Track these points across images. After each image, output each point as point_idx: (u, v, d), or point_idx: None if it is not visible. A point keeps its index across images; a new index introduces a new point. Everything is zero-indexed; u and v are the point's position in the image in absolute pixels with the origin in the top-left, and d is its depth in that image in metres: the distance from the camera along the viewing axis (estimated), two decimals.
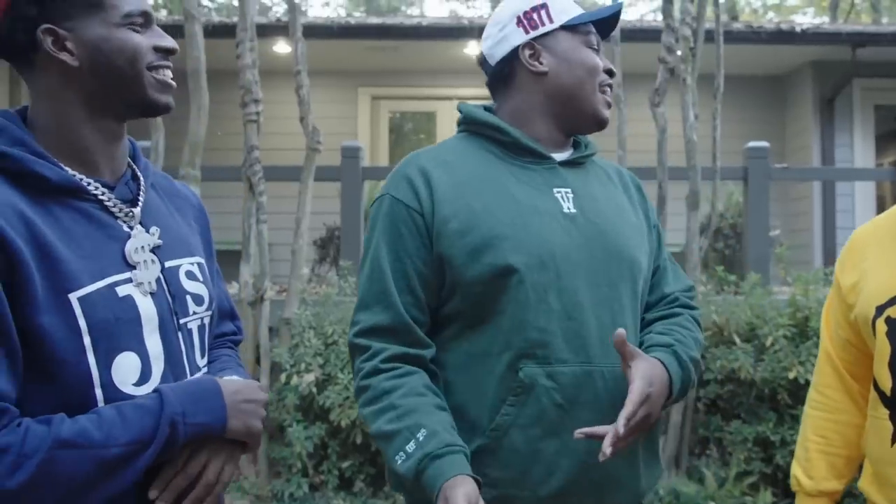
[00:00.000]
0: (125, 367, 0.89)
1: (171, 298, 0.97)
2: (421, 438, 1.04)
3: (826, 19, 13.27)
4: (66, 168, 0.91)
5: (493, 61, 1.24)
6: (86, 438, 0.81)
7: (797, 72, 6.48)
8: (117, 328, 0.88)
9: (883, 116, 6.36)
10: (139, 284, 0.92)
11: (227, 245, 3.89)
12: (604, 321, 1.13)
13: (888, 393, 1.16)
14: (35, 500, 0.79)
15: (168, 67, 0.97)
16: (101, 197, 0.93)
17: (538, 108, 1.22)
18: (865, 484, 1.22)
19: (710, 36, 4.03)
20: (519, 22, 1.21)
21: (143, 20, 0.94)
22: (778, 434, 3.10)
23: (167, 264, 0.98)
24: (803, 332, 3.19)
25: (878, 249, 1.23)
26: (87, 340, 0.85)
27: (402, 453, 1.05)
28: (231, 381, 0.96)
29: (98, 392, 0.86)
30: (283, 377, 3.25)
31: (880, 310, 1.16)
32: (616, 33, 3.83)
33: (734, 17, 11.92)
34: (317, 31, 5.48)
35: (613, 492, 1.14)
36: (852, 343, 1.26)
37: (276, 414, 3.24)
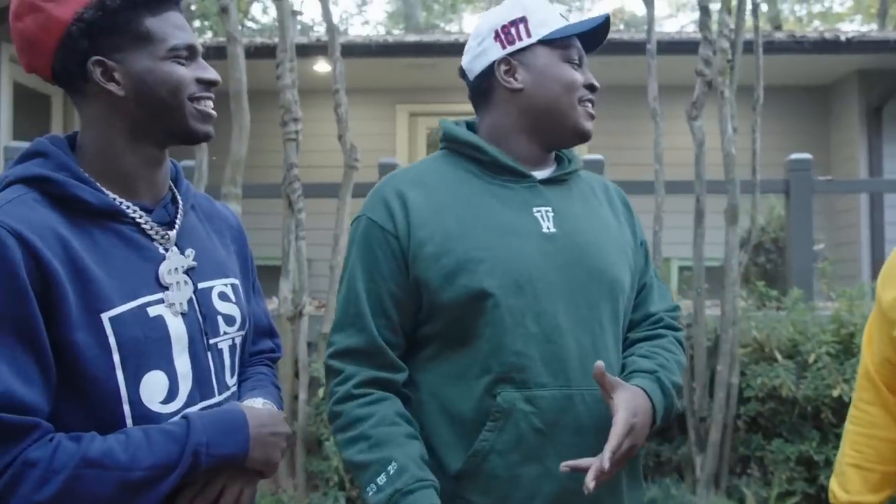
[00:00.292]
0: (153, 386, 0.92)
1: (202, 319, 1.00)
2: (392, 472, 1.04)
3: (874, 26, 12.91)
4: (108, 192, 0.95)
5: (471, 76, 1.23)
6: (112, 459, 0.84)
7: (842, 81, 6.33)
8: (146, 347, 0.91)
9: None
10: (170, 305, 0.95)
11: (266, 261, 3.98)
12: (583, 343, 1.11)
13: None
14: None
15: (210, 98, 1.01)
16: (138, 220, 0.97)
17: (515, 125, 1.19)
18: None
19: (749, 47, 3.98)
20: (497, 36, 1.18)
21: (188, 53, 0.98)
22: (822, 454, 3.01)
23: (200, 285, 1.01)
24: (848, 349, 3.11)
25: None
26: (116, 358, 0.89)
27: (373, 485, 1.05)
28: (258, 413, 0.98)
29: (126, 409, 0.90)
30: (320, 392, 3.30)
31: None
32: (652, 46, 3.81)
33: (777, 27, 11.69)
34: (356, 50, 5.60)
35: None
36: (892, 361, 1.25)
37: (313, 428, 3.29)
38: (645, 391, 1.10)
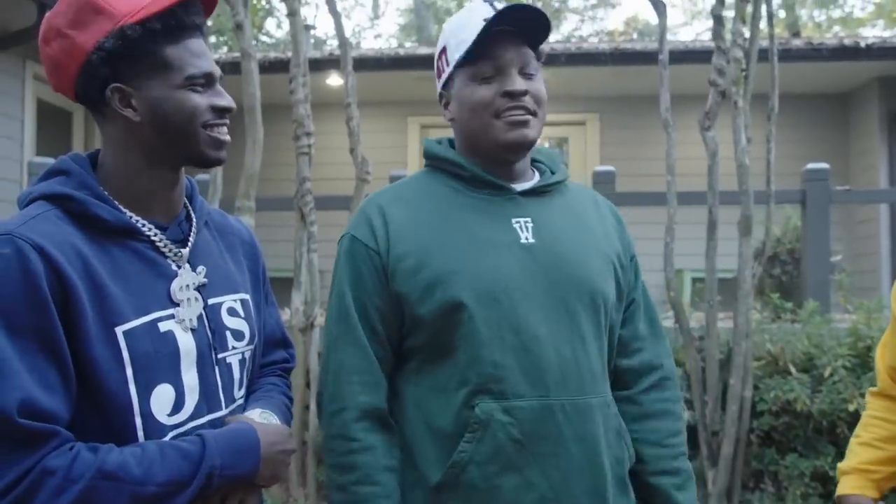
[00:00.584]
0: (162, 398, 0.95)
1: (211, 334, 1.03)
2: None
3: None
4: (125, 210, 0.99)
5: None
6: (127, 473, 0.86)
7: (862, 88, 6.25)
8: (157, 361, 0.95)
9: None
10: (180, 321, 0.98)
11: (279, 272, 4.01)
12: (563, 352, 1.11)
13: None
14: None
15: (224, 125, 1.03)
16: (153, 238, 1.00)
17: (469, 149, 1.21)
18: None
19: (765, 55, 3.94)
20: (437, 72, 1.24)
21: (205, 81, 0.99)
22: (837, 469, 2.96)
23: (210, 301, 1.04)
24: (865, 363, 3.05)
25: None
26: (129, 372, 0.92)
27: None
28: (268, 431, 1.01)
29: (138, 421, 0.93)
30: None
31: None
32: (664, 56, 3.79)
33: (796, 33, 11.57)
34: (368, 64, 5.65)
35: None
36: None
37: None
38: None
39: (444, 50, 1.20)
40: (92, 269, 0.91)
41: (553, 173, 1.25)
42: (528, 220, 1.17)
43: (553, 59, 5.78)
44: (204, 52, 0.99)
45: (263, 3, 10.58)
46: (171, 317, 0.98)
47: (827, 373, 3.02)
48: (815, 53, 5.63)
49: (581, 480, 1.10)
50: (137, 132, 0.98)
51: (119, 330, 0.92)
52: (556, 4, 16.89)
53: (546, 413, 1.09)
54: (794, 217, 5.15)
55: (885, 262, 5.69)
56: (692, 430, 3.18)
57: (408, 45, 15.35)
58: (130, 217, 0.99)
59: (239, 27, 3.35)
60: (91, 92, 0.97)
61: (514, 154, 1.18)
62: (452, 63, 1.17)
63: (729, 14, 3.79)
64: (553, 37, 16.68)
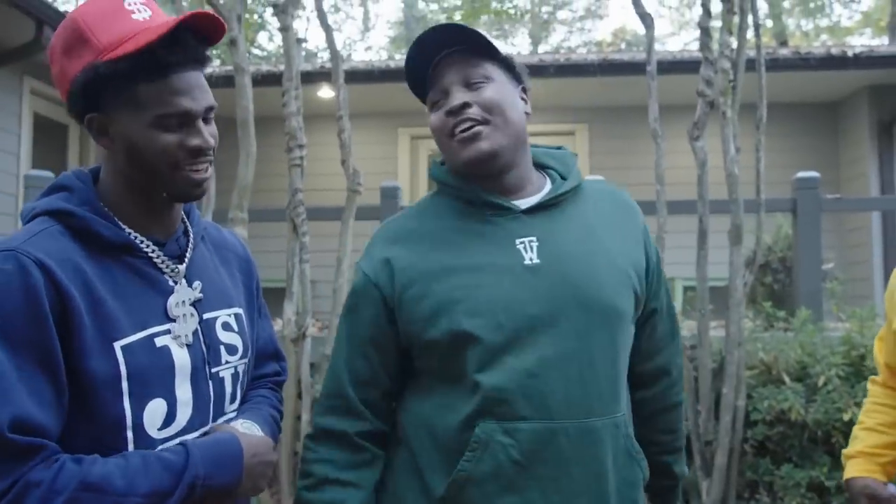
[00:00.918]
0: (154, 412, 0.97)
1: (205, 349, 1.04)
2: None
3: (885, 41, 12.86)
4: (124, 226, 1.01)
5: None
6: (110, 485, 0.87)
7: (852, 97, 6.30)
8: (151, 376, 0.96)
9: None
10: (176, 337, 1.00)
11: (271, 283, 3.98)
12: (570, 375, 1.10)
13: None
14: None
15: (200, 163, 1.00)
16: (150, 254, 1.02)
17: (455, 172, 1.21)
18: None
19: (752, 65, 3.96)
20: None
21: (180, 120, 0.97)
22: (833, 479, 2.94)
23: (206, 316, 1.06)
24: (859, 372, 3.05)
25: None
26: (124, 386, 0.94)
27: None
28: (252, 442, 1.01)
29: (129, 434, 0.95)
30: None
31: None
32: (652, 67, 3.81)
33: (783, 43, 11.68)
34: (358, 76, 5.66)
35: None
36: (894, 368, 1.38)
37: None
38: None
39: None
40: (91, 284, 0.93)
41: (564, 179, 1.21)
42: (533, 238, 1.14)
43: (542, 70, 5.81)
44: (188, 89, 0.97)
45: (256, 17, 10.62)
46: (168, 332, 0.99)
47: (821, 382, 3.01)
48: (803, 63, 5.67)
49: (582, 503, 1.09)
50: (118, 160, 1.00)
51: (117, 345, 0.93)
52: (545, 16, 17.02)
53: (548, 436, 1.08)
54: (785, 225, 5.16)
55: (878, 271, 5.71)
56: (685, 441, 3.16)
57: (398, 57, 15.42)
58: (129, 234, 1.01)
59: (233, 43, 3.37)
60: (77, 116, 1.00)
61: (479, 169, 1.15)
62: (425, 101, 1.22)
63: (716, 23, 3.82)
64: (542, 48, 16.79)
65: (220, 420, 1.07)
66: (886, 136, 6.00)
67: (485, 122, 1.13)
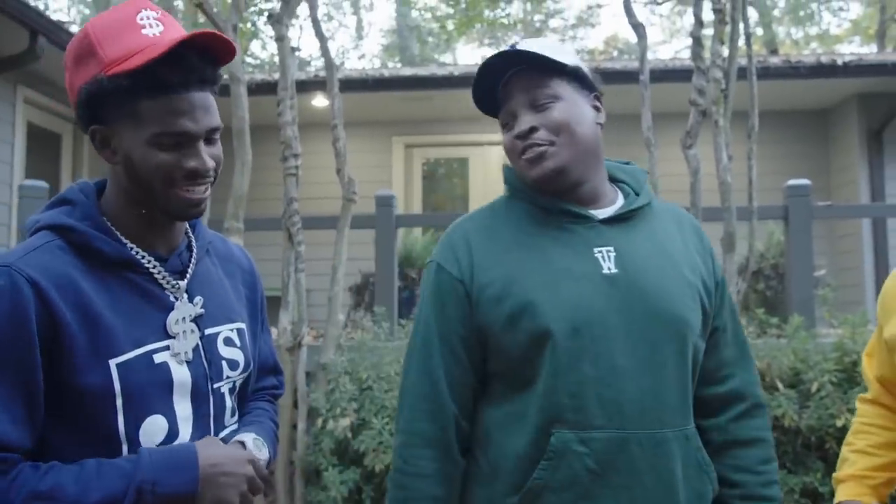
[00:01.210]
0: (152, 429, 0.96)
1: (206, 365, 1.04)
2: None
3: (874, 48, 13.00)
4: (126, 241, 1.01)
5: None
6: (61, 492, 0.88)
7: (841, 105, 6.36)
8: (149, 393, 0.96)
9: None
10: (175, 354, 0.99)
11: (267, 292, 3.96)
12: (643, 386, 1.11)
13: None
14: None
15: (197, 185, 0.99)
16: (151, 270, 1.02)
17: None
18: None
19: (744, 74, 4.00)
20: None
21: (177, 140, 0.96)
22: (827, 485, 2.96)
23: (207, 331, 1.05)
24: (851, 378, 3.07)
25: None
26: (119, 402, 0.94)
27: None
28: (215, 452, 0.98)
29: (125, 448, 0.94)
30: (319, 421, 3.29)
31: None
32: (645, 77, 3.85)
33: (773, 51, 11.79)
34: (352, 85, 5.68)
35: None
36: (888, 378, 1.33)
37: (312, 458, 3.29)
38: None
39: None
40: (88, 301, 0.93)
41: (637, 194, 1.23)
42: (611, 249, 1.15)
43: None
44: (188, 110, 0.95)
45: (249, 26, 10.64)
46: (167, 348, 0.99)
47: (814, 388, 3.03)
48: (794, 71, 5.73)
49: None
50: (119, 174, 1.00)
51: (113, 362, 0.93)
52: (538, 24, 17.12)
53: (622, 445, 1.09)
54: (776, 232, 5.20)
55: (869, 276, 5.75)
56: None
57: (391, 65, 15.47)
58: (131, 249, 1.00)
59: None
60: (83, 126, 1.00)
61: (548, 186, 1.18)
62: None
63: (708, 32, 3.86)
64: None
65: (223, 434, 1.06)
66: (876, 143, 6.06)
67: (550, 144, 1.16)
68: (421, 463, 1.15)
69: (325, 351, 3.59)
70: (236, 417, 1.11)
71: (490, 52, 17.82)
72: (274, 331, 3.70)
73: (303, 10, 5.04)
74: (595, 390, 1.10)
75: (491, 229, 1.21)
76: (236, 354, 1.09)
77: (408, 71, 6.62)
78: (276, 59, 3.69)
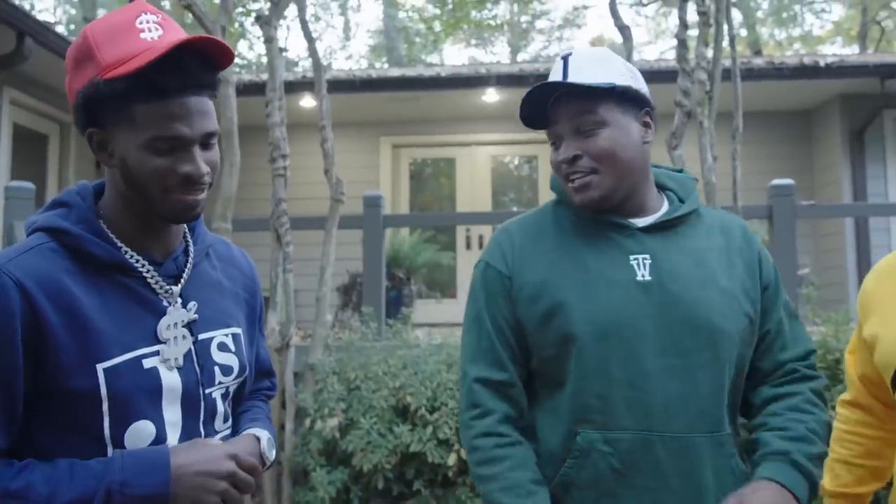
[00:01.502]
0: (138, 433, 0.96)
1: (199, 370, 1.03)
2: None
3: (856, 49, 13.18)
4: (121, 245, 1.00)
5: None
6: (32, 492, 0.88)
7: (824, 105, 6.44)
8: (136, 398, 0.96)
9: None
10: (165, 360, 0.99)
11: None
12: (671, 390, 1.13)
13: None
14: None
15: (192, 190, 0.98)
16: (145, 274, 1.01)
17: None
18: (894, 499, 1.22)
19: (728, 75, 4.05)
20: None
21: (172, 145, 0.95)
22: None
23: (201, 336, 1.04)
24: (835, 376, 3.10)
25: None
26: (105, 407, 0.93)
27: None
28: (190, 453, 0.96)
29: (110, 452, 0.94)
30: (307, 422, 3.29)
31: None
32: None
33: (757, 52, 11.90)
34: (340, 86, 5.68)
35: None
36: (869, 377, 1.28)
37: (300, 458, 3.28)
38: (781, 483, 1.09)
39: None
40: (78, 305, 0.93)
41: (682, 202, 1.25)
42: (647, 256, 1.18)
43: (522, 80, 5.87)
44: (184, 115, 0.95)
45: (236, 26, 10.60)
46: (157, 353, 0.99)
47: None
48: (777, 73, 5.80)
49: None
50: (116, 176, 1.00)
51: (100, 367, 0.93)
52: (524, 25, 17.18)
53: (646, 446, 1.12)
54: (761, 231, 5.26)
55: (852, 275, 5.83)
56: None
57: (378, 65, 15.46)
58: (125, 252, 1.00)
59: None
60: (80, 129, 1.00)
61: (591, 210, 1.21)
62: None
63: (693, 33, 3.90)
64: (521, 56, 16.93)
65: (215, 439, 1.04)
66: (857, 143, 6.14)
67: (594, 172, 1.18)
68: (514, 434, 1.19)
69: (313, 351, 3.59)
70: (229, 423, 1.10)
71: (476, 53, 17.85)
72: None
73: (290, 10, 5.04)
74: (622, 393, 1.13)
75: (535, 232, 1.25)
76: (230, 360, 1.08)
77: (395, 71, 6.63)
78: (264, 59, 3.69)
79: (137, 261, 1.01)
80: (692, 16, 3.69)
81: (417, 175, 7.44)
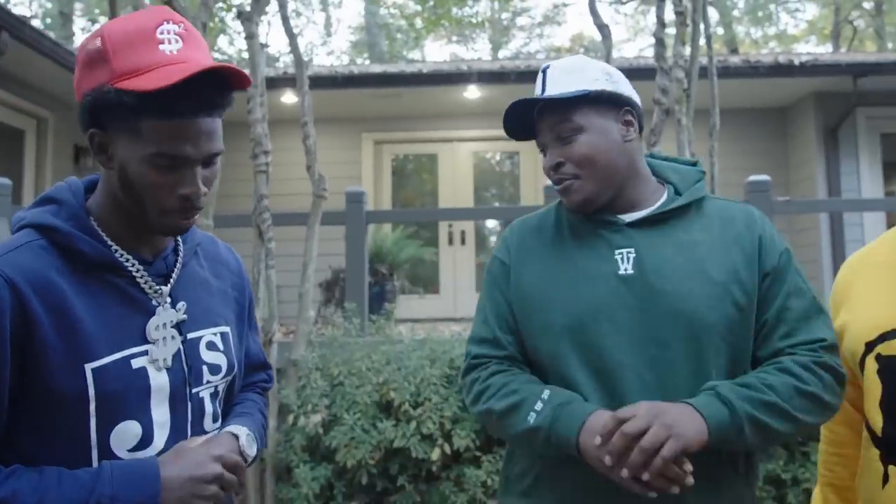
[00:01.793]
0: (124, 434, 0.96)
1: (187, 370, 1.03)
2: (545, 397, 1.16)
3: (830, 48, 13.40)
4: (111, 243, 0.99)
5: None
6: (19, 500, 0.87)
7: (799, 103, 6.56)
8: (125, 398, 0.95)
9: (891, 144, 6.39)
10: (153, 361, 0.98)
11: None
12: (647, 380, 1.15)
13: (879, 433, 1.13)
14: None
15: (187, 209, 0.97)
16: (134, 274, 1.00)
17: None
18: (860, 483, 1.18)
19: (705, 73, 4.11)
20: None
21: (175, 163, 0.94)
22: (789, 472, 3.06)
23: (190, 336, 1.04)
24: None
25: (867, 280, 1.19)
26: (91, 407, 0.93)
27: (532, 413, 1.16)
28: (178, 461, 0.96)
29: (94, 453, 0.94)
30: (290, 418, 3.29)
31: (870, 346, 1.13)
32: None
33: (734, 50, 12.06)
34: (322, 82, 5.66)
35: None
36: (850, 381, 1.22)
37: (283, 454, 3.28)
38: (693, 406, 1.08)
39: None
40: (67, 304, 0.92)
41: (679, 194, 1.26)
42: (632, 250, 1.21)
43: (503, 77, 5.90)
44: (191, 136, 0.93)
45: (217, 21, 10.49)
46: (146, 353, 0.98)
47: None
48: (753, 71, 5.89)
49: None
50: (112, 180, 0.99)
51: (88, 367, 0.92)
52: (505, 22, 17.22)
53: None
54: None
55: (827, 269, 5.95)
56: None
57: (360, 62, 15.40)
58: (115, 251, 0.99)
59: None
60: (83, 127, 0.98)
61: (580, 212, 1.27)
62: None
63: (671, 32, 3.96)
64: (502, 53, 16.98)
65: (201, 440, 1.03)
66: (832, 139, 6.27)
67: (576, 177, 1.23)
68: (512, 367, 1.26)
69: (296, 347, 3.60)
70: (219, 423, 1.10)
71: (457, 49, 17.85)
72: None
73: (272, 6, 5.02)
74: (598, 381, 1.17)
75: (537, 229, 1.32)
76: (219, 359, 1.08)
77: (377, 68, 6.63)
78: (245, 55, 3.67)
79: (127, 260, 1.00)
80: (669, 15, 3.75)
81: (400, 171, 7.45)
